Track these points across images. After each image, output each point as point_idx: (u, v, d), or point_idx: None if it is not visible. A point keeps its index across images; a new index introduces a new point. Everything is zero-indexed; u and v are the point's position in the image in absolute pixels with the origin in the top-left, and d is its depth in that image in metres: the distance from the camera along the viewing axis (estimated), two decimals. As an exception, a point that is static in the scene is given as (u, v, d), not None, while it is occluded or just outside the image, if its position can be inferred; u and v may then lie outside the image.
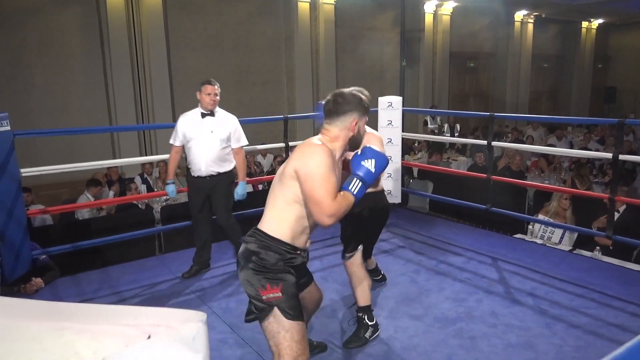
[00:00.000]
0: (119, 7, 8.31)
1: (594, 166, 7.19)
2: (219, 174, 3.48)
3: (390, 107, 4.70)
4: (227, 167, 3.55)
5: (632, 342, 0.64)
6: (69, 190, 7.07)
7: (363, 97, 1.97)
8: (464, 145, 8.83)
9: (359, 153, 1.95)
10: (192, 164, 3.49)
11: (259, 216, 1.97)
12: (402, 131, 4.87)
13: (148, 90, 8.89)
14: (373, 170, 1.90)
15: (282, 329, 1.82)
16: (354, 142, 1.99)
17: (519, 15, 14.27)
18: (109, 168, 6.74)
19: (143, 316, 1.08)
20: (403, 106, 4.90)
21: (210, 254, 3.76)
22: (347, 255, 2.74)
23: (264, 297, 1.83)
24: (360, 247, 2.76)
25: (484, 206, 4.33)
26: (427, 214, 5.70)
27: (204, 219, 3.63)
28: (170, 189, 3.57)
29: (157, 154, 8.53)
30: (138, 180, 6.67)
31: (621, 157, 3.47)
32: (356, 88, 2.01)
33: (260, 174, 7.48)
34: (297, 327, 1.83)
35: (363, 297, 2.69)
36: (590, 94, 17.09)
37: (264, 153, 8.59)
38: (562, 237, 4.50)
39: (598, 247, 4.03)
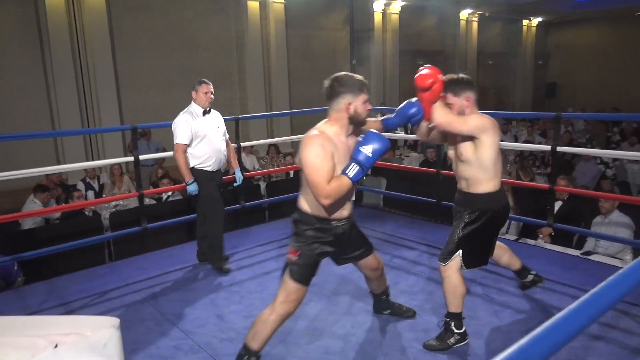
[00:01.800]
0: (58, 7, 7.97)
1: (536, 158, 7.53)
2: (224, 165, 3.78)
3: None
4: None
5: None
6: (10, 200, 6.71)
7: (356, 77, 2.17)
8: (416, 141, 9.03)
9: (361, 137, 2.15)
10: (208, 160, 3.60)
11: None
12: (354, 129, 4.92)
13: (93, 92, 8.57)
14: (370, 154, 2.09)
15: (286, 282, 2.27)
16: (355, 122, 2.19)
17: (464, 14, 14.75)
18: (47, 175, 6.38)
19: (54, 326, 1.07)
20: (354, 104, 4.95)
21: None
22: (442, 257, 2.56)
23: (287, 255, 2.30)
24: (460, 252, 2.51)
25: (435, 200, 4.45)
26: (382, 210, 5.79)
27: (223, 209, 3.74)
28: (194, 187, 3.58)
29: (104, 158, 8.26)
30: (81, 186, 6.41)
31: (559, 149, 3.64)
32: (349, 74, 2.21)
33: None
34: (296, 288, 2.26)
35: (453, 303, 2.53)
36: (532, 89, 17.88)
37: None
38: (508, 227, 4.70)
39: (541, 235, 4.24)
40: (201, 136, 3.55)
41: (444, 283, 2.56)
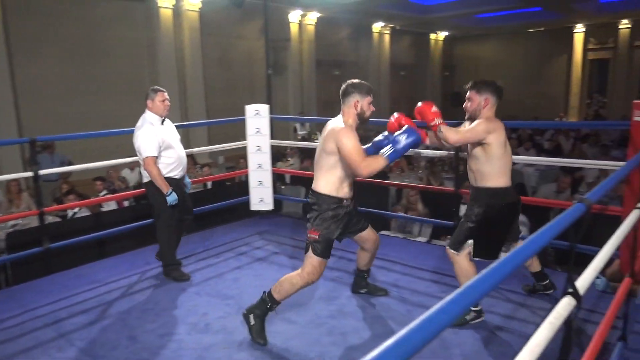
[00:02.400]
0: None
1: (445, 164, 7.99)
2: None
3: (257, 115, 4.75)
4: None
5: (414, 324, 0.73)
6: None
7: (365, 83, 2.68)
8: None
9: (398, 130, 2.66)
10: (175, 168, 3.62)
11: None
12: (271, 138, 4.94)
13: (-14, 103, 7.86)
14: (404, 142, 2.54)
15: (311, 257, 2.70)
16: (361, 119, 2.69)
17: (377, 26, 15.37)
18: None
19: None
20: (271, 114, 4.98)
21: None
22: (453, 246, 2.82)
23: (308, 235, 2.72)
24: (471, 242, 2.77)
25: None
26: (301, 218, 5.84)
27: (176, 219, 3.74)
28: (173, 197, 3.55)
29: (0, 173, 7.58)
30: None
31: (460, 154, 3.90)
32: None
33: (126, 190, 7.03)
34: (318, 261, 2.70)
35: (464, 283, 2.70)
36: (440, 98, 18.99)
37: (131, 167, 8.10)
38: (420, 230, 4.95)
39: (449, 237, 4.49)
40: (167, 145, 3.51)
41: (455, 267, 2.85)
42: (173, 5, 9.99)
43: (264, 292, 2.78)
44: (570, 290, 1.17)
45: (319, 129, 10.82)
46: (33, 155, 3.81)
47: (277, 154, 8.90)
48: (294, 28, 12.82)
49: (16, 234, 4.47)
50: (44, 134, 4.85)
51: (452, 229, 4.42)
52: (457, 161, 4.00)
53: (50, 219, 4.89)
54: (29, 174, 3.80)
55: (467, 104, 2.86)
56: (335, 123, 2.69)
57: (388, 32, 15.89)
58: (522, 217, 4.54)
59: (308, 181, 6.41)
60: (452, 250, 2.84)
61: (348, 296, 3.32)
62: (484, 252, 2.78)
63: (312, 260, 2.70)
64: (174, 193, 3.54)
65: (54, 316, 3.14)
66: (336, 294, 3.36)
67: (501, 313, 3.00)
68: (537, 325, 1.09)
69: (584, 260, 1.56)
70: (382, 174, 7.04)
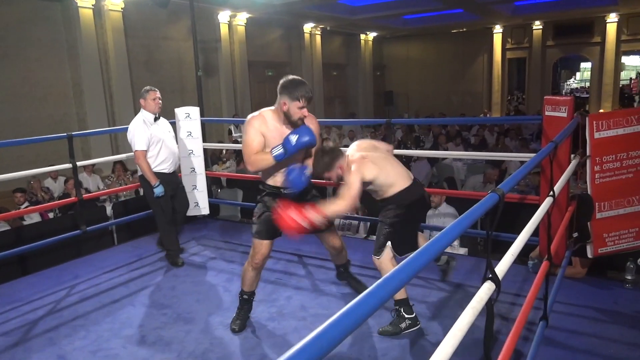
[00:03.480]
0: None
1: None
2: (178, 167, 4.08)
3: (188, 118, 4.63)
4: None
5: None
6: None
7: (301, 87, 2.63)
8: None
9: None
10: (164, 163, 3.86)
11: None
12: (204, 141, 4.84)
13: None
14: (295, 142, 2.58)
15: (253, 241, 2.86)
16: (288, 119, 2.67)
17: (307, 27, 15.47)
18: None
19: None
20: (203, 116, 4.88)
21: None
22: (375, 252, 2.83)
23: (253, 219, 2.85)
24: (389, 244, 2.78)
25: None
26: (239, 222, 5.78)
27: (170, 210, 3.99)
28: (160, 189, 3.79)
29: None
30: None
31: (394, 152, 4.02)
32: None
33: (50, 200, 6.64)
34: (257, 242, 2.83)
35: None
36: (373, 97, 19.47)
37: (54, 176, 7.64)
38: (358, 227, 5.05)
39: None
40: (156, 141, 3.79)
41: (381, 273, 2.80)
42: (93, 5, 9.50)
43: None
44: (489, 275, 1.25)
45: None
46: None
47: (213, 157, 8.75)
48: (223, 29, 12.61)
49: None
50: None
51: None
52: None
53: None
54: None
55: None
56: None
57: (319, 32, 16.05)
58: (450, 209, 4.77)
59: (245, 184, 6.40)
60: (375, 257, 2.86)
61: (288, 297, 3.32)
62: (409, 247, 2.86)
63: (253, 243, 2.85)
64: (161, 186, 3.81)
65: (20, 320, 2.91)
66: (276, 295, 3.36)
67: (434, 302, 3.13)
68: None
69: (509, 248, 1.67)
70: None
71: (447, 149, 9.33)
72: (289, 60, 15.43)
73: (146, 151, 3.77)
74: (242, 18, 12.84)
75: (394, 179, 2.80)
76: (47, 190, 7.10)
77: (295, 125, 2.68)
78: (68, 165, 4.21)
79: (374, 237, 4.69)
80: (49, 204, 5.80)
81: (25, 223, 5.33)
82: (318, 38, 16.13)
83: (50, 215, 5.90)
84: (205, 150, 4.83)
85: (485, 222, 1.28)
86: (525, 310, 1.87)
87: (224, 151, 9.47)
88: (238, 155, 9.03)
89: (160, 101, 3.88)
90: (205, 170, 4.77)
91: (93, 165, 7.52)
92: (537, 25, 16.83)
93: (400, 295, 2.81)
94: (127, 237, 4.88)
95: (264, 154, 2.64)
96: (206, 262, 4.08)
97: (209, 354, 2.67)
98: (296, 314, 3.07)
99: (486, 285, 1.22)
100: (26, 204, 5.89)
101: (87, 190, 6.60)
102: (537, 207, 2.95)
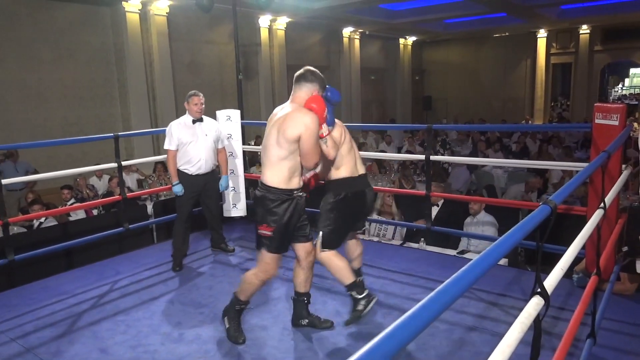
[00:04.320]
0: None
1: (417, 167, 8.10)
2: (212, 170, 4.11)
3: (229, 121, 4.71)
4: (215, 165, 4.19)
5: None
6: None
7: (321, 76, 2.65)
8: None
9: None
10: (190, 164, 3.97)
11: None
12: (243, 144, 4.91)
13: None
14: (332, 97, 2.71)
15: (263, 254, 2.64)
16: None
17: (347, 31, 15.48)
18: None
19: None
20: (243, 119, 4.95)
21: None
22: (313, 243, 2.81)
23: (259, 231, 2.61)
24: (321, 234, 2.81)
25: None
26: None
27: (190, 214, 4.11)
28: (179, 188, 3.95)
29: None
30: None
31: (432, 157, 3.97)
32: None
33: (95, 198, 6.87)
34: (272, 257, 2.63)
35: (342, 277, 2.81)
36: (411, 102, 19.26)
37: (99, 174, 7.92)
38: (394, 233, 4.99)
39: (422, 239, 4.56)
40: (185, 142, 3.93)
41: (325, 266, 2.86)
42: (140, 10, 9.82)
43: (234, 292, 2.80)
44: (538, 290, 1.20)
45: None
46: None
47: (250, 160, 8.86)
48: (264, 33, 12.79)
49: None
50: (6, 142, 4.70)
51: (424, 232, 4.50)
52: (429, 164, 4.05)
53: (15, 229, 4.74)
54: (-9, 183, 3.66)
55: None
56: (289, 110, 2.56)
57: (358, 37, 16.03)
58: (489, 218, 4.64)
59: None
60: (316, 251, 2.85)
61: (323, 301, 3.30)
62: (333, 243, 2.85)
63: (264, 257, 2.65)
64: (179, 185, 3.96)
65: (19, 330, 3.03)
66: (311, 299, 3.35)
67: (474, 313, 3.05)
68: (509, 324, 1.11)
69: (553, 260, 1.60)
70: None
71: (486, 156, 9.12)
72: (327, 64, 15.47)
73: (175, 151, 3.94)
74: (282, 22, 12.97)
75: (342, 162, 2.85)
76: (92, 188, 7.36)
77: None
78: (114, 165, 4.35)
79: (411, 244, 4.66)
80: (94, 201, 6.00)
81: (71, 219, 5.54)
82: (357, 42, 16.11)
83: (95, 212, 6.11)
84: (244, 152, 4.89)
85: (535, 234, 1.23)
86: (572, 327, 1.80)
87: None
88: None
89: (203, 106, 4.02)
90: (244, 172, 4.83)
91: (136, 165, 7.75)
92: (585, 29, 16.25)
93: (347, 279, 2.82)
94: (166, 236, 4.99)
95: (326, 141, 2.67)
96: (243, 262, 4.13)
97: (245, 354, 2.69)
98: (333, 319, 3.05)
99: (534, 300, 1.17)
100: (72, 200, 6.11)
101: (129, 190, 6.79)
102: (582, 218, 2.84)
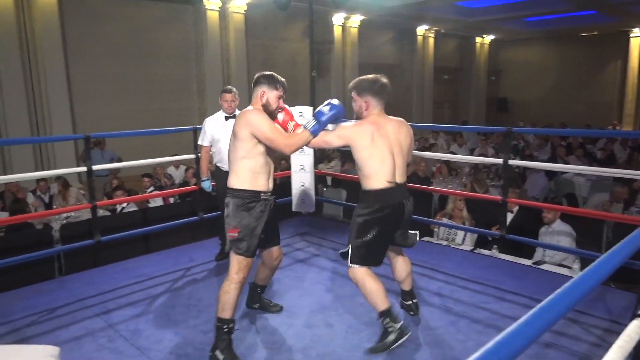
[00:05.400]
0: (7, 12, 7.65)
1: (490, 171, 7.79)
2: None
3: (301, 117, 4.76)
4: None
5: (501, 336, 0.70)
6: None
7: (275, 76, 2.71)
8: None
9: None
10: (223, 161, 3.87)
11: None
12: (314, 141, 4.94)
13: (44, 100, 8.25)
14: (327, 112, 2.57)
15: (234, 256, 2.57)
16: (266, 111, 2.63)
17: (421, 30, 15.17)
18: (5, 185, 6.12)
19: None
20: (314, 116, 4.98)
21: None
22: (348, 262, 2.59)
23: (227, 234, 2.56)
24: (350, 247, 2.58)
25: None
26: (342, 221, 5.83)
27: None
28: (207, 184, 4.08)
29: (55, 168, 7.93)
30: (31, 198, 6.14)
31: (510, 162, 3.79)
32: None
33: (172, 187, 7.23)
34: (240, 260, 2.56)
35: (375, 301, 2.59)
36: (485, 103, 18.55)
37: (176, 165, 8.32)
38: (464, 238, 4.83)
39: (495, 246, 4.37)
40: (217, 139, 3.92)
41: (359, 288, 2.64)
42: (219, 8, 10.20)
43: (216, 316, 2.58)
44: (639, 312, 1.11)
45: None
46: (87, 151, 3.96)
47: (319, 156, 8.93)
48: (337, 31, 12.83)
49: (69, 225, 4.67)
50: (94, 131, 5.04)
51: (498, 239, 4.31)
52: (505, 169, 3.87)
53: (101, 212, 5.08)
54: (83, 168, 3.95)
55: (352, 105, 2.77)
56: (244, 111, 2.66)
57: (432, 35, 15.67)
58: (565, 227, 4.36)
59: (349, 184, 6.43)
60: (349, 270, 2.64)
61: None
62: (361, 258, 2.59)
63: (233, 259, 2.57)
64: (208, 181, 4.07)
65: (102, 307, 3.25)
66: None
67: (551, 329, 2.88)
68: (590, 344, 1.03)
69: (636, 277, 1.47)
70: (426, 179, 6.95)
71: (567, 162, 8.57)
72: (399, 63, 15.26)
73: (208, 147, 4.00)
74: (355, 20, 12.95)
75: (375, 170, 2.53)
76: (169, 177, 7.75)
77: (273, 117, 2.63)
78: (192, 156, 4.54)
79: (482, 251, 4.48)
80: (172, 190, 6.31)
81: (150, 205, 5.86)
82: (431, 40, 15.75)
83: (171, 200, 6.42)
84: (314, 149, 4.93)
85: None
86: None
87: (331, 151, 9.61)
88: (343, 155, 9.12)
89: (235, 102, 3.99)
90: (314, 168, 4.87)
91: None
92: (686, 28, 14.88)
93: (382, 305, 2.59)
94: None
95: (298, 135, 2.55)
96: (309, 258, 4.17)
97: (310, 350, 2.71)
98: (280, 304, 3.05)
99: (635, 322, 1.08)
100: (152, 188, 6.46)
101: (185, 182, 7.06)
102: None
